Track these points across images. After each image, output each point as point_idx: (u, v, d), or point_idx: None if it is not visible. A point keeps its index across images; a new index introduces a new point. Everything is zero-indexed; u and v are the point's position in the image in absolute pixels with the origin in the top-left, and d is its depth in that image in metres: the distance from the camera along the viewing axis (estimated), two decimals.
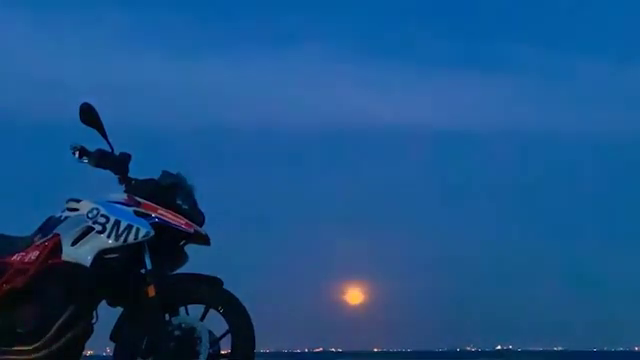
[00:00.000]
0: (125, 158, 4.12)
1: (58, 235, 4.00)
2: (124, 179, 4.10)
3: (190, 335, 3.93)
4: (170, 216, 4.01)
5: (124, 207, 4.00)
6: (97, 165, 4.07)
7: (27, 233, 4.14)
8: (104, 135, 4.07)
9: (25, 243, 4.08)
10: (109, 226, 3.93)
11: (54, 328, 3.91)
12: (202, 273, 4.09)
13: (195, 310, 4.02)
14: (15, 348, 3.93)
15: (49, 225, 4.08)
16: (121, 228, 3.92)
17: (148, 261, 3.96)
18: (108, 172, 4.10)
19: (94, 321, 4.05)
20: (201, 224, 4.12)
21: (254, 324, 3.98)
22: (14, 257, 4.04)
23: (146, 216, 3.99)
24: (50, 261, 3.97)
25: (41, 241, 4.04)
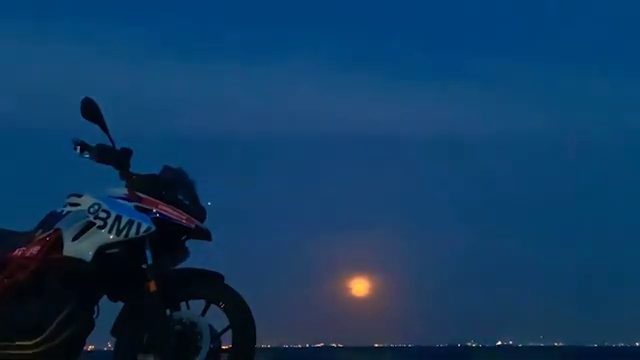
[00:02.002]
0: (126, 153, 4.11)
1: (59, 230, 4.00)
2: (125, 174, 4.10)
3: (191, 330, 3.93)
4: (171, 211, 4.01)
5: (125, 202, 4.00)
6: (98, 160, 4.06)
7: (28, 228, 4.15)
8: (105, 130, 4.06)
9: (26, 238, 4.08)
10: (110, 221, 3.93)
11: (55, 323, 3.91)
12: (203, 268, 4.09)
13: (196, 305, 4.02)
14: (16, 343, 3.94)
15: (50, 220, 4.08)
16: (122, 223, 3.92)
17: (149, 256, 3.95)
18: (109, 167, 4.10)
19: (95, 316, 4.05)
20: (202, 219, 4.11)
21: (255, 319, 3.98)
22: (15, 252, 4.04)
23: (147, 211, 3.98)
24: (51, 256, 3.97)
25: (42, 236, 4.04)
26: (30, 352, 3.93)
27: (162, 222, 3.97)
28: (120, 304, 4.08)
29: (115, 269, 3.97)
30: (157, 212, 3.99)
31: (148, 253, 3.96)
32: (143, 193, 4.04)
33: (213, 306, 3.99)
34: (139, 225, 3.92)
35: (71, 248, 3.95)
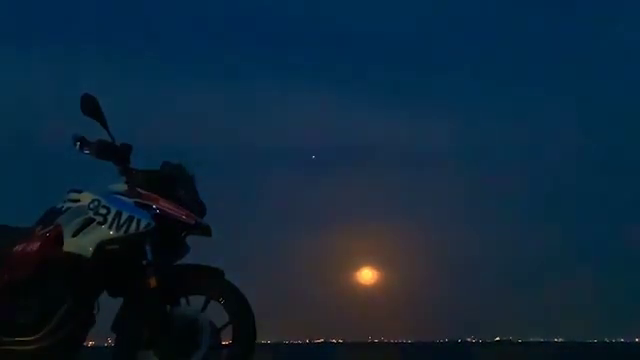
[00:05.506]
0: (126, 149, 4.11)
1: (59, 226, 4.00)
2: (125, 170, 4.10)
3: (191, 326, 3.93)
4: (171, 207, 4.01)
5: (125, 198, 4.00)
6: (98, 156, 4.06)
7: (29, 224, 4.15)
8: (105, 126, 4.07)
9: (27, 234, 4.08)
10: (110, 217, 3.93)
11: (55, 319, 3.92)
12: (203, 264, 4.09)
13: (196, 301, 4.03)
14: (17, 339, 3.94)
15: (50, 216, 4.08)
16: (122, 219, 3.92)
17: (149, 252, 3.96)
18: (109, 163, 4.10)
19: (95, 312, 4.06)
20: (202, 215, 4.12)
21: (255, 315, 3.98)
22: (16, 248, 4.04)
23: (147, 207, 3.99)
24: (51, 252, 3.97)
25: (42, 232, 4.04)
26: (31, 347, 3.93)
27: (162, 218, 3.97)
28: (120, 300, 4.08)
29: (115, 265, 3.98)
30: (157, 208, 3.99)
31: (148, 249, 3.96)
32: (143, 189, 4.04)
33: (213, 302, 3.99)
34: (139, 221, 3.92)
35: (71, 244, 3.95)
